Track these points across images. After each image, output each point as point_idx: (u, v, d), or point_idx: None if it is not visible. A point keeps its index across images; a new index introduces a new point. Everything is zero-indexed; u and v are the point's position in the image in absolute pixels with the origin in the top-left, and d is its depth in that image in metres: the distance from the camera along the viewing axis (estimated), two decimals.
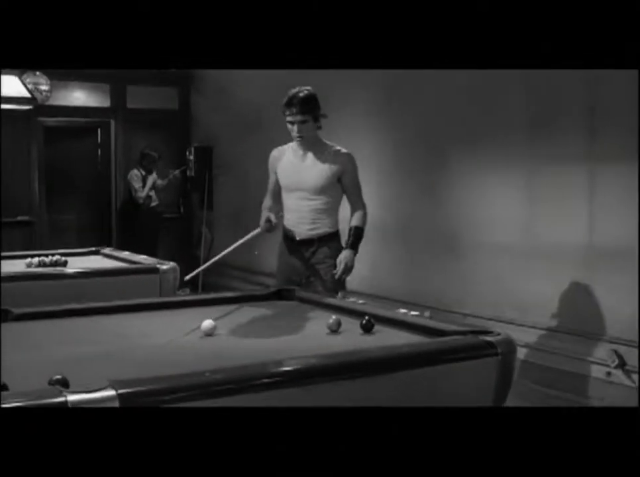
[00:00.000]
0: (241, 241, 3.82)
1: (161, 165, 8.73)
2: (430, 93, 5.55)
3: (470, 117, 5.28)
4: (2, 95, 7.77)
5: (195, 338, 2.70)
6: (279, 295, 3.52)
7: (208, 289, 7.38)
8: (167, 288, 4.49)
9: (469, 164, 5.35)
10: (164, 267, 4.56)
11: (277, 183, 4.07)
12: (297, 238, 4.01)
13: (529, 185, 4.93)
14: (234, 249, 3.84)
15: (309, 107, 3.84)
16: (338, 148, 3.98)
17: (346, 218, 4.06)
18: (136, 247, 6.07)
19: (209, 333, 2.72)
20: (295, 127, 3.85)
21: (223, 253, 3.84)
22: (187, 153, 8.89)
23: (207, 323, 2.73)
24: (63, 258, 4.95)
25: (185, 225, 9.42)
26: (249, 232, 3.93)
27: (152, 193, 8.68)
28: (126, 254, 5.38)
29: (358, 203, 3.99)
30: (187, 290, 6.62)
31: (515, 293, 4.98)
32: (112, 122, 9.02)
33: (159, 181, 8.75)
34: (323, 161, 3.91)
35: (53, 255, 4.99)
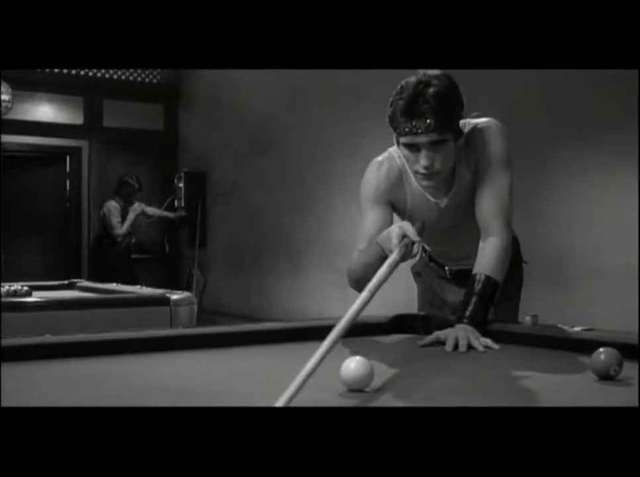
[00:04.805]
0: (378, 277, 1.59)
1: (142, 197, 7.24)
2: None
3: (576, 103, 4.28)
4: None
5: (334, 397, 1.23)
6: (401, 323, 2.09)
7: None
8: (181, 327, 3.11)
9: (580, 166, 4.32)
10: (176, 297, 3.27)
11: (387, 222, 2.09)
12: (447, 270, 2.40)
13: None
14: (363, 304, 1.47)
15: (450, 118, 1.92)
16: (471, 124, 2.09)
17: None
18: None
19: (361, 386, 1.25)
20: (423, 156, 1.93)
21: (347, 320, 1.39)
22: (176, 180, 7.56)
23: (357, 368, 1.24)
24: (25, 288, 3.48)
25: (172, 266, 8.17)
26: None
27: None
28: (112, 286, 3.94)
29: (494, 221, 2.07)
30: None
31: None
32: (86, 144, 7.62)
33: (149, 209, 7.22)
34: (466, 177, 2.10)
35: (10, 285, 3.54)
